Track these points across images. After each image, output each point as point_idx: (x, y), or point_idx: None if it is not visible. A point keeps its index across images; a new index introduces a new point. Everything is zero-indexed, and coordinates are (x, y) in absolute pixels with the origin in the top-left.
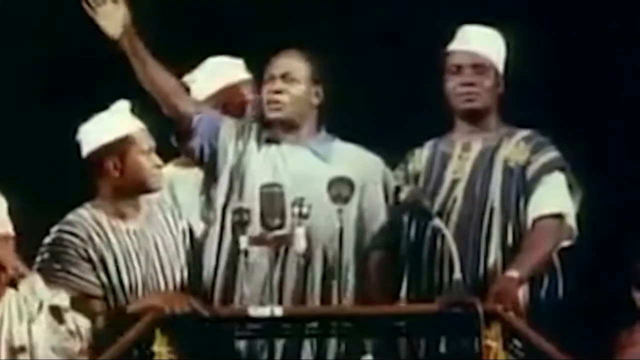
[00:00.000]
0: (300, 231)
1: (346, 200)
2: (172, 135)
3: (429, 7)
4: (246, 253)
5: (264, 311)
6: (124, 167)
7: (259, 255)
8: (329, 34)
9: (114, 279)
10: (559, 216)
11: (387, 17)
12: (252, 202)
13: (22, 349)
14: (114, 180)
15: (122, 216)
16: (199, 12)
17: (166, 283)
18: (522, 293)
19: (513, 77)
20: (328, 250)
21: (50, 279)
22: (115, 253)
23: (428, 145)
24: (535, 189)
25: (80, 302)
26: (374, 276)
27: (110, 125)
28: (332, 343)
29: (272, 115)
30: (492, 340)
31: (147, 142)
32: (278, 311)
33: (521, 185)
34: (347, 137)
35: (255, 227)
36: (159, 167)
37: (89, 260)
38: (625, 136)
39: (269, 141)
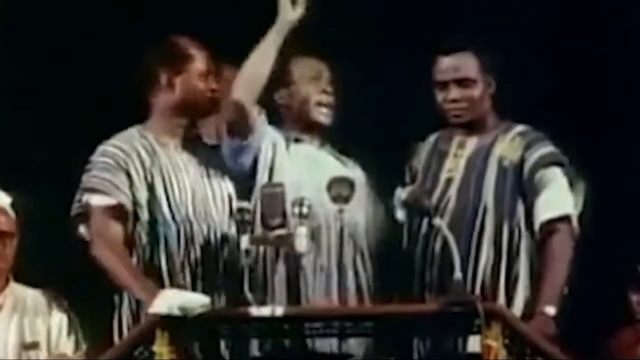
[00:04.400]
0: (301, 231)
1: (346, 200)
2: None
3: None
4: (247, 253)
5: (265, 311)
6: (177, 84)
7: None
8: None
9: (158, 191)
10: (567, 218)
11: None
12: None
13: (34, 345)
14: (166, 97)
15: (172, 134)
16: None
17: (214, 195)
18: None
19: (510, 75)
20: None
21: (87, 185)
22: (162, 163)
23: (428, 142)
24: (536, 188)
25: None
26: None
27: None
28: (353, 343)
29: (318, 118)
30: (493, 340)
31: (206, 63)
32: (279, 311)
33: (516, 185)
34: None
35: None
36: (213, 91)
37: (127, 172)
38: (624, 134)
39: (297, 141)
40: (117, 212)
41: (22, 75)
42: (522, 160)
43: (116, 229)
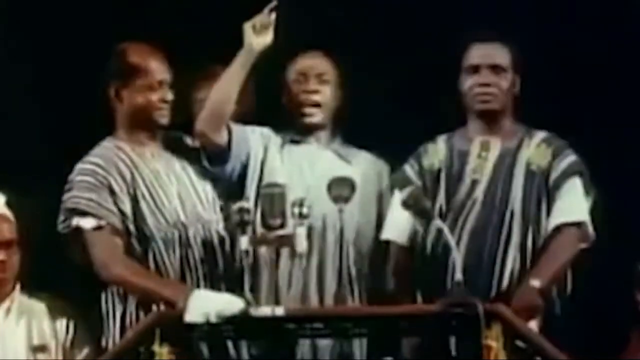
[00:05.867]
0: (301, 231)
1: (347, 200)
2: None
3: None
4: (247, 253)
5: (265, 311)
6: (125, 97)
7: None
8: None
9: (143, 203)
10: (578, 224)
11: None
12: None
13: (43, 348)
14: (119, 108)
15: (142, 143)
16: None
17: (199, 197)
18: None
19: (528, 78)
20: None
21: (71, 206)
22: (143, 173)
23: (442, 140)
24: (556, 195)
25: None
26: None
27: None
28: (351, 344)
29: (308, 120)
30: (493, 341)
31: (158, 75)
32: (279, 311)
33: (543, 191)
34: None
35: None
36: (165, 101)
37: (109, 188)
38: (630, 138)
39: (293, 142)
40: (110, 229)
41: (21, 75)
42: (549, 168)
43: (117, 244)
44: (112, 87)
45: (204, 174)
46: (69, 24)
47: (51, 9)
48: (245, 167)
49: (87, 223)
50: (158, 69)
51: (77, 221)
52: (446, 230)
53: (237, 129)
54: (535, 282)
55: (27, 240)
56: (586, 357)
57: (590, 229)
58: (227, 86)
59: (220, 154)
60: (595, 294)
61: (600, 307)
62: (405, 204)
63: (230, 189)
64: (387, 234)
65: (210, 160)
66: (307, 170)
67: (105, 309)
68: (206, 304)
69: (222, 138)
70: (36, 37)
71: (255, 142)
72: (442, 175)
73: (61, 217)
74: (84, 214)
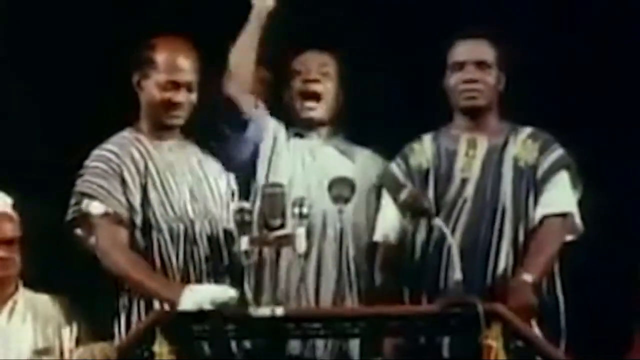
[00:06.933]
0: (300, 231)
1: (347, 200)
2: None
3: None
4: (247, 254)
5: (265, 311)
6: (144, 88)
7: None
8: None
9: (153, 193)
10: (564, 215)
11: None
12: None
13: (47, 351)
14: (141, 97)
15: (159, 137)
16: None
17: (212, 192)
18: None
19: (515, 75)
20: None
21: (82, 190)
22: (157, 165)
23: (428, 139)
24: (544, 189)
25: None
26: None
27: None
28: (350, 344)
29: (308, 114)
30: (493, 340)
31: (169, 75)
32: (279, 311)
33: (531, 186)
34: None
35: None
36: (175, 104)
37: (121, 177)
38: (626, 135)
39: (297, 135)
40: (117, 218)
41: (21, 75)
42: (537, 163)
43: (122, 235)
44: (136, 76)
45: (221, 165)
46: (70, 23)
47: (52, 9)
48: (256, 151)
49: (96, 208)
50: (176, 69)
51: (87, 205)
52: (445, 229)
53: (262, 108)
54: (527, 277)
55: (28, 239)
56: (586, 357)
57: (578, 220)
58: (244, 49)
59: (242, 119)
60: (594, 293)
61: (600, 307)
62: (405, 204)
63: (244, 181)
64: (377, 235)
65: (231, 124)
66: (309, 164)
67: (114, 309)
68: (199, 293)
69: (248, 105)
70: (36, 37)
71: (270, 128)
72: (431, 175)
73: (72, 201)
74: (93, 198)
